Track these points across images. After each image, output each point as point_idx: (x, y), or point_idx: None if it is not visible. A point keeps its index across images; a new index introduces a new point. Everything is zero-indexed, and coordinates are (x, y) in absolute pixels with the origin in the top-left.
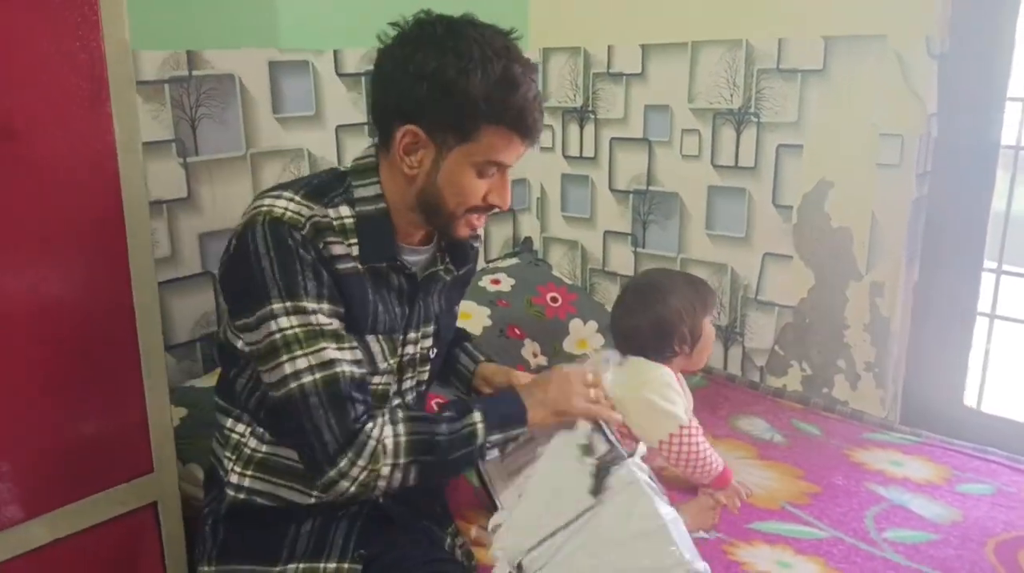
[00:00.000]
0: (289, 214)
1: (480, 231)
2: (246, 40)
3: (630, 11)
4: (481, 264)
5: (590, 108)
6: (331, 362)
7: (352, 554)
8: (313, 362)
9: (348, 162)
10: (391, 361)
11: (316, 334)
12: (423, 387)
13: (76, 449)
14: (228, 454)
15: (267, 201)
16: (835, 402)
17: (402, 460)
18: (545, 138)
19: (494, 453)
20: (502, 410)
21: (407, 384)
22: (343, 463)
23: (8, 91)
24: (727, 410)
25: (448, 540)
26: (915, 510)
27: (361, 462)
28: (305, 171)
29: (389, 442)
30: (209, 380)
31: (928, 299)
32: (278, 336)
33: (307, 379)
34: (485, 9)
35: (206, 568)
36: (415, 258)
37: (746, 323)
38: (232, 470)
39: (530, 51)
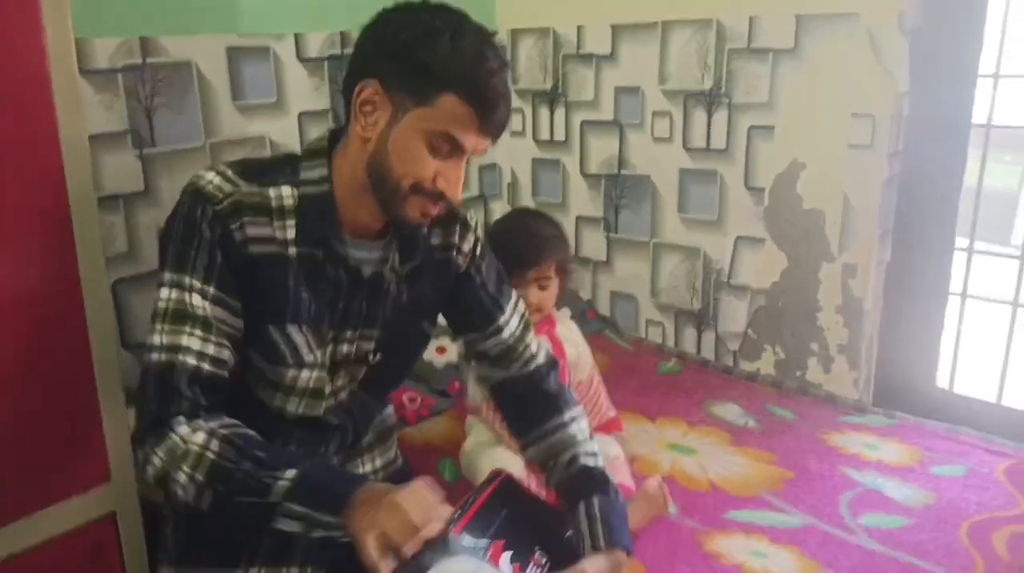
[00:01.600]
0: (211, 187)
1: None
2: (203, 25)
3: None
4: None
5: (560, 91)
6: (177, 348)
7: (319, 556)
8: (164, 342)
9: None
10: (318, 353)
11: (183, 315)
12: (355, 386)
13: (28, 459)
14: None
15: (201, 172)
16: (808, 385)
17: (199, 477)
18: (515, 122)
19: (292, 526)
20: (324, 484)
21: (339, 382)
22: (146, 447)
23: None
24: (701, 395)
25: None
26: (889, 494)
27: (160, 453)
28: None
29: (195, 449)
30: None
31: (900, 280)
32: (157, 305)
33: (154, 357)
34: None
35: (167, 571)
36: (363, 254)
37: (719, 307)
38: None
39: (498, 33)
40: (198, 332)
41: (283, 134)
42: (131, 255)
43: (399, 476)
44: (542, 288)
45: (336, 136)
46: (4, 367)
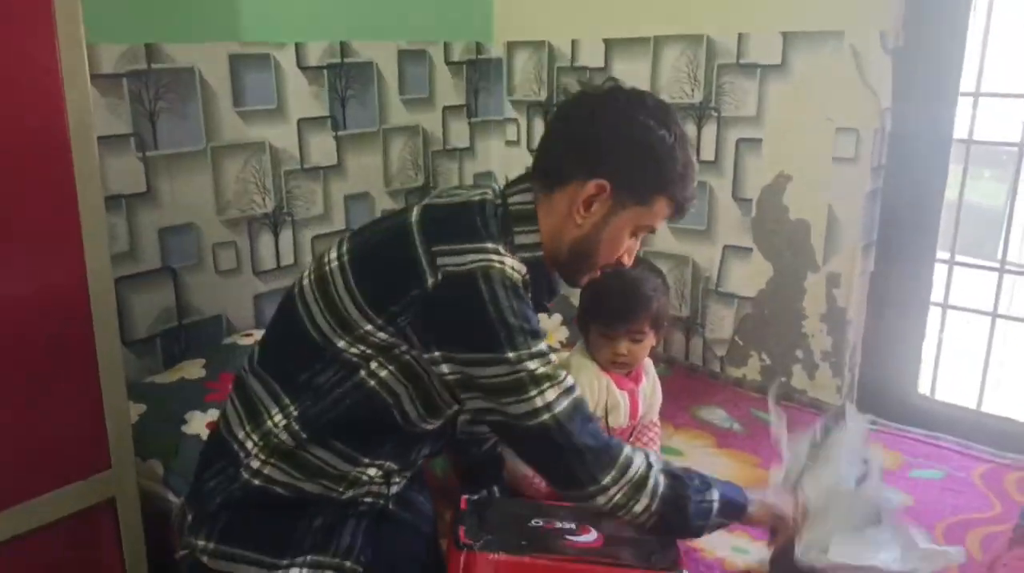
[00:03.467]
0: (513, 273)
1: None
2: (206, 33)
3: (593, 5)
4: None
5: (554, 103)
6: (572, 388)
7: (357, 554)
8: (560, 391)
9: (488, 191)
10: None
11: (556, 368)
12: None
13: (32, 446)
14: (255, 438)
15: (492, 258)
16: (793, 391)
17: (655, 508)
18: (511, 131)
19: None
20: (732, 501)
21: None
22: (606, 480)
23: None
24: (688, 400)
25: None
26: None
27: (623, 483)
28: (266, 166)
29: (651, 485)
30: (170, 376)
31: (883, 289)
32: (525, 374)
33: (559, 409)
34: (451, 1)
35: (202, 542)
36: None
37: (707, 314)
38: (255, 455)
39: (495, 45)
40: (567, 375)
41: (283, 140)
42: (132, 254)
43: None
44: (634, 341)
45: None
46: (12, 358)
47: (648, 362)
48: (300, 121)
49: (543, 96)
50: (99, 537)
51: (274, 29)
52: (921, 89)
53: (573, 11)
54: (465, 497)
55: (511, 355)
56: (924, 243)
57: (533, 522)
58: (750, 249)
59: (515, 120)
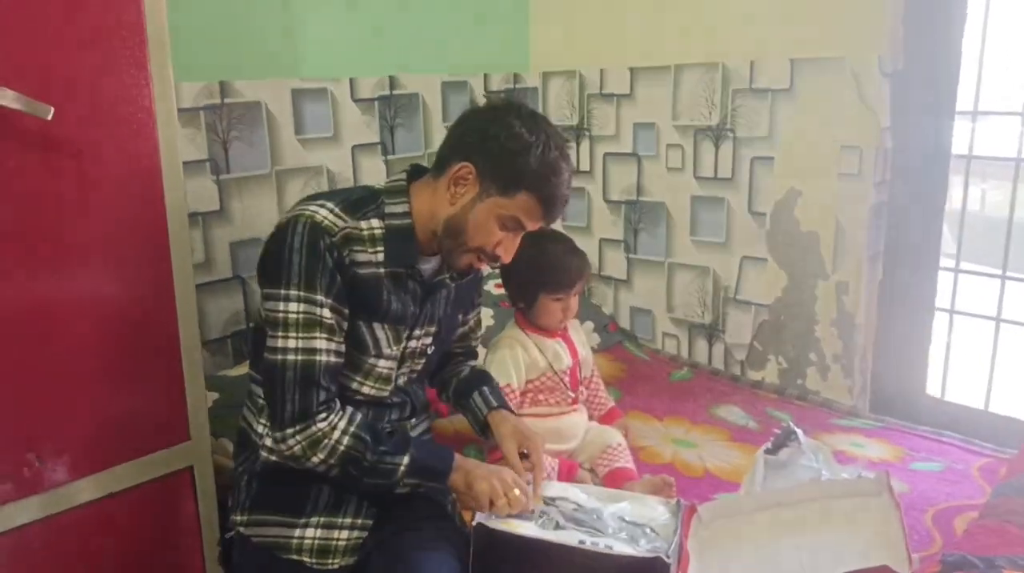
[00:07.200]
0: (327, 222)
1: (482, 271)
2: (271, 71)
3: (619, 37)
4: (487, 270)
5: (585, 126)
6: (314, 350)
7: (366, 511)
8: (301, 345)
9: (379, 182)
10: (394, 348)
11: (314, 323)
12: (414, 375)
13: (124, 421)
14: (263, 421)
15: (312, 206)
16: (808, 392)
17: (333, 462)
18: None
19: (409, 488)
20: (429, 465)
21: (402, 370)
22: (288, 431)
23: (79, 119)
24: (707, 400)
25: (448, 506)
26: None
27: (301, 438)
28: (324, 186)
29: (331, 442)
30: (238, 370)
31: (892, 296)
32: (283, 315)
33: (291, 357)
34: (491, 37)
35: (239, 517)
36: (427, 266)
37: (727, 321)
38: (267, 434)
39: (531, 74)
40: (325, 335)
41: (338, 164)
42: (207, 265)
43: None
44: (574, 295)
45: (413, 173)
46: (113, 349)
47: (573, 321)
48: (354, 147)
49: (575, 121)
50: (179, 499)
51: (331, 66)
52: (919, 109)
53: (601, 43)
54: None
55: (280, 291)
56: (928, 252)
57: None
58: (765, 259)
59: None
